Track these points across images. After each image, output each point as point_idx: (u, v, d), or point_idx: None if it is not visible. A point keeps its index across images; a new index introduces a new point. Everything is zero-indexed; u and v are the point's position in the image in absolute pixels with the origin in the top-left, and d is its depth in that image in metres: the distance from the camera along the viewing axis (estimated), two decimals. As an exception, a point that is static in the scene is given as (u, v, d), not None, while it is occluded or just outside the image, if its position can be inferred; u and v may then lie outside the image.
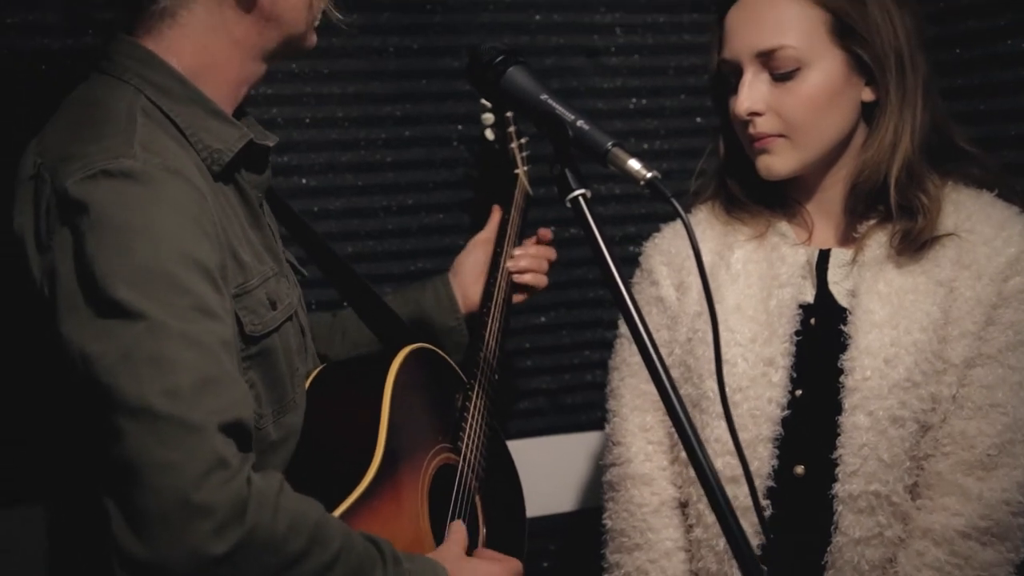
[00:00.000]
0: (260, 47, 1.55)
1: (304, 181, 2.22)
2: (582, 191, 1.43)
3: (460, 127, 2.31)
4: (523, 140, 2.18)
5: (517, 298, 2.06)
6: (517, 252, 2.04)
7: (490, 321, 1.92)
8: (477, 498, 1.76)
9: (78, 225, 1.31)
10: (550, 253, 2.09)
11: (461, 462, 1.73)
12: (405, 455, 1.62)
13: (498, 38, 2.30)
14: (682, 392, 1.77)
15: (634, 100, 2.45)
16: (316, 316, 2.04)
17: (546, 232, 2.12)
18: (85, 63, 1.55)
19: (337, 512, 1.48)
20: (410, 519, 1.59)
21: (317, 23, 1.61)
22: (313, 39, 1.62)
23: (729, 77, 1.81)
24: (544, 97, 1.49)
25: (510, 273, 2.02)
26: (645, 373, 1.85)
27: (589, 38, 2.41)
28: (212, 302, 1.34)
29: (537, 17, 2.37)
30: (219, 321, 1.35)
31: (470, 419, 1.78)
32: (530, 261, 2.05)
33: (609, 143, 1.42)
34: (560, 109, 1.47)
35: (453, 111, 2.29)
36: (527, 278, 2.05)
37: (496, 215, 2.10)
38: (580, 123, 1.45)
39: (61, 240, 1.33)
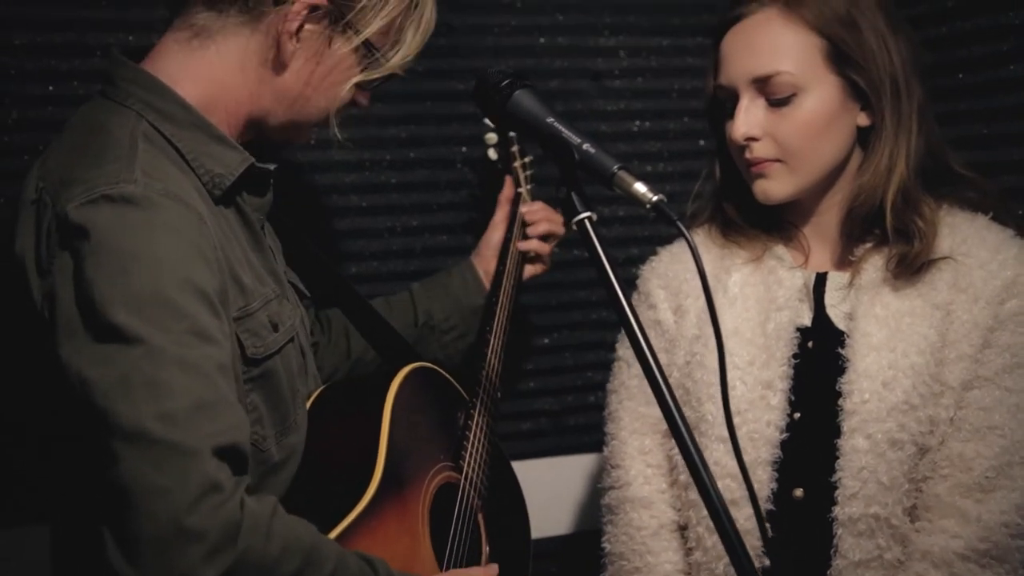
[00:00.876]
0: (263, 115, 1.58)
1: (308, 202, 2.23)
2: (588, 214, 1.44)
3: (465, 149, 2.32)
4: (527, 159, 2.19)
5: (531, 270, 2.13)
6: (527, 207, 2.13)
7: (492, 339, 1.92)
8: (480, 516, 1.76)
9: (78, 249, 1.33)
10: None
11: (463, 480, 1.73)
12: (405, 474, 1.63)
13: (503, 61, 2.31)
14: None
15: (637, 122, 2.46)
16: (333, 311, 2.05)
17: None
18: (93, 84, 1.57)
19: (336, 531, 1.48)
20: (411, 537, 1.59)
21: (316, 128, 1.64)
22: (307, 139, 1.68)
23: (725, 102, 1.82)
24: (550, 120, 1.50)
25: (513, 290, 2.04)
26: (643, 396, 1.88)
27: (593, 61, 2.43)
28: (210, 326, 1.35)
29: (542, 40, 2.38)
30: (216, 345, 1.35)
31: (472, 437, 1.79)
32: (543, 210, 2.13)
33: (615, 166, 1.42)
34: (566, 132, 1.47)
35: (458, 133, 2.31)
36: (543, 227, 2.11)
37: (508, 190, 2.16)
38: (586, 146, 1.45)
39: (61, 264, 1.34)
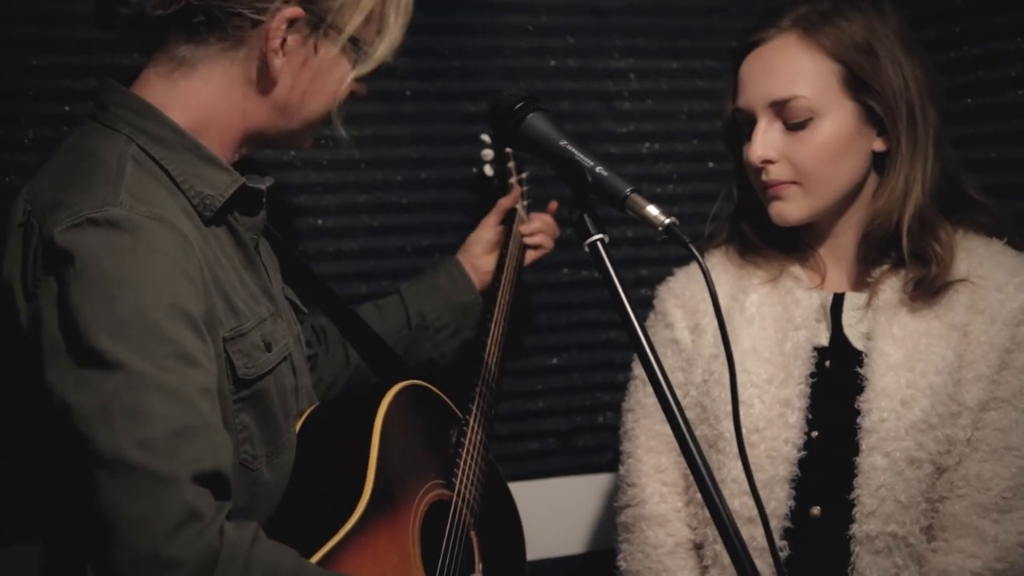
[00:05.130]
0: (260, 129, 1.57)
1: (321, 222, 2.24)
2: (600, 235, 1.44)
3: (475, 170, 2.33)
4: (523, 175, 2.21)
5: (531, 255, 2.18)
6: (532, 216, 2.19)
7: (487, 356, 1.91)
8: (472, 534, 1.75)
9: (63, 274, 1.32)
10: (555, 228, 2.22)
11: (455, 497, 1.72)
12: (395, 492, 1.62)
13: (514, 83, 2.33)
14: (698, 433, 1.79)
15: (647, 144, 2.47)
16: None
17: (553, 204, 2.24)
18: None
19: (324, 550, 1.47)
20: (401, 555, 1.58)
21: (319, 129, 1.63)
22: (309, 145, 1.66)
23: (743, 125, 1.83)
24: (564, 143, 1.50)
25: (508, 307, 2.04)
26: (660, 415, 1.87)
27: (603, 83, 2.44)
28: (194, 350, 1.34)
29: (552, 62, 2.40)
30: (200, 369, 1.35)
31: (465, 454, 1.77)
32: (542, 224, 2.18)
33: (627, 189, 1.43)
34: (579, 155, 1.48)
35: (468, 154, 2.31)
36: (538, 239, 2.17)
37: (502, 202, 2.18)
38: (599, 169, 1.45)
39: (47, 288, 1.33)
